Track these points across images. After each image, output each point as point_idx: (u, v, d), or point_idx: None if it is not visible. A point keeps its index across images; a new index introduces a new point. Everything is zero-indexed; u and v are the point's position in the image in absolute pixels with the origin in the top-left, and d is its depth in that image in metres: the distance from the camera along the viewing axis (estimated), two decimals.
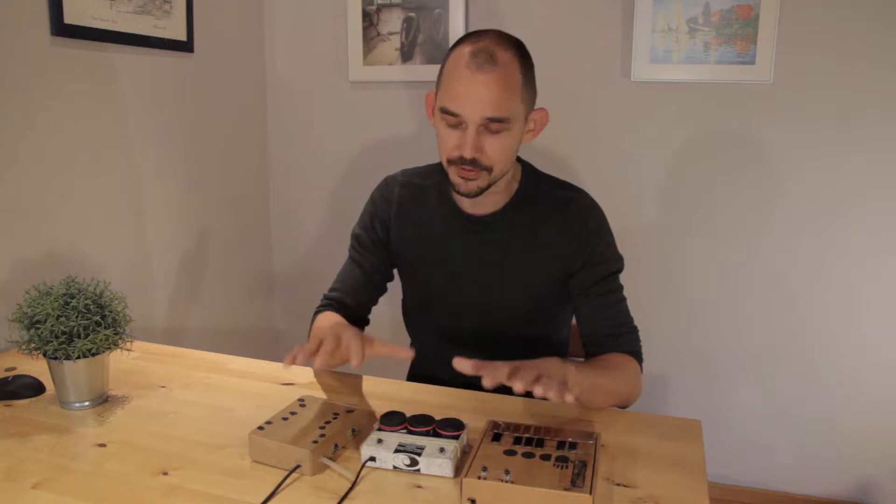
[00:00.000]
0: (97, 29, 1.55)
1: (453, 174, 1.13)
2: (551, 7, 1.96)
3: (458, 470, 0.90)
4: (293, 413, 0.99)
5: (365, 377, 1.22)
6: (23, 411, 1.10)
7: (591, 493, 0.79)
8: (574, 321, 1.32)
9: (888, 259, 1.85)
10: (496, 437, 0.93)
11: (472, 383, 1.14)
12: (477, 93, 1.05)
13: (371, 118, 2.17)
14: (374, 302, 1.34)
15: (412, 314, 1.37)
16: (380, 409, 1.03)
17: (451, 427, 0.95)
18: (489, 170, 1.10)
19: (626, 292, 1.23)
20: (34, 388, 1.16)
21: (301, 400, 1.04)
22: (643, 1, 1.86)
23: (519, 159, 1.25)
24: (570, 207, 1.20)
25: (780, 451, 2.02)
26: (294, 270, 2.35)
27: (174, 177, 1.87)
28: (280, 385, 1.20)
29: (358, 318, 1.31)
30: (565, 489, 0.80)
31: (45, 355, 1.07)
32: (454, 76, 1.07)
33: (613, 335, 1.19)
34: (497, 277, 1.22)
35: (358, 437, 0.99)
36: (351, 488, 0.86)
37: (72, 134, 1.53)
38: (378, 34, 2.09)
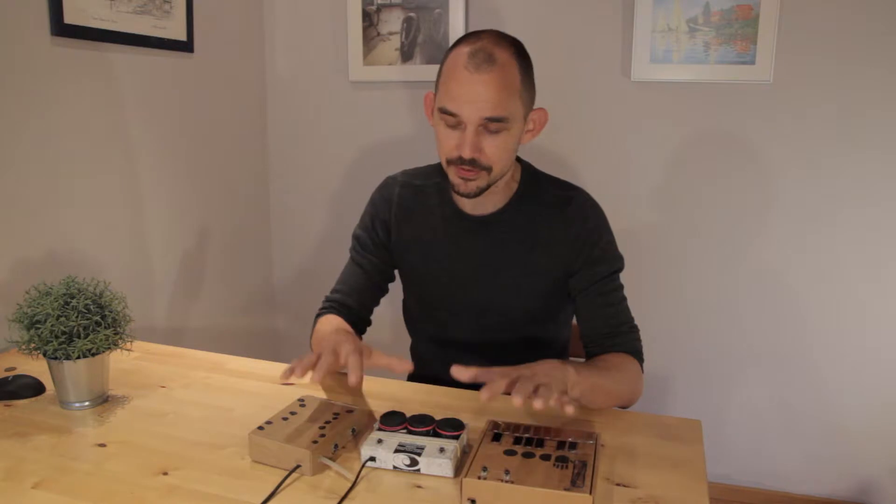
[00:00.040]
0: (97, 29, 1.55)
1: (453, 175, 1.13)
2: (551, 7, 1.96)
3: (458, 470, 0.90)
4: (293, 413, 0.99)
5: (365, 377, 1.21)
6: (23, 411, 1.10)
7: (591, 493, 0.79)
8: (575, 321, 1.33)
9: (888, 259, 1.85)
10: (496, 437, 0.93)
11: (473, 383, 1.14)
12: (476, 93, 1.05)
13: (371, 118, 2.17)
14: (376, 303, 1.34)
15: (412, 314, 1.38)
16: (380, 409, 1.03)
17: (451, 427, 0.95)
18: (488, 170, 1.10)
19: (626, 292, 1.23)
20: (34, 388, 1.16)
21: (301, 400, 1.04)
22: (643, 1, 1.86)
23: (518, 159, 1.25)
24: (569, 207, 1.20)
25: (781, 451, 2.02)
26: (294, 270, 2.35)
27: (174, 177, 1.87)
28: (280, 385, 1.20)
29: (360, 319, 1.31)
30: (565, 489, 0.80)
31: (45, 355, 1.07)
32: (453, 77, 1.07)
33: (614, 335, 1.19)
34: (497, 277, 1.22)
35: (358, 437, 0.99)
36: (351, 488, 0.86)
37: (72, 134, 1.53)
38: (378, 34, 2.10)
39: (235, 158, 2.14)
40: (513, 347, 1.27)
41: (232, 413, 1.09)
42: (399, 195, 1.29)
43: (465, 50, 1.07)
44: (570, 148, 2.02)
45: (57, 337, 1.04)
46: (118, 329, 1.10)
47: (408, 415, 0.98)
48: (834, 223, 1.87)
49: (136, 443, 0.99)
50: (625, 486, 0.88)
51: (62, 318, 1.05)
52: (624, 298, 1.22)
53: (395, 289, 1.37)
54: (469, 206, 1.22)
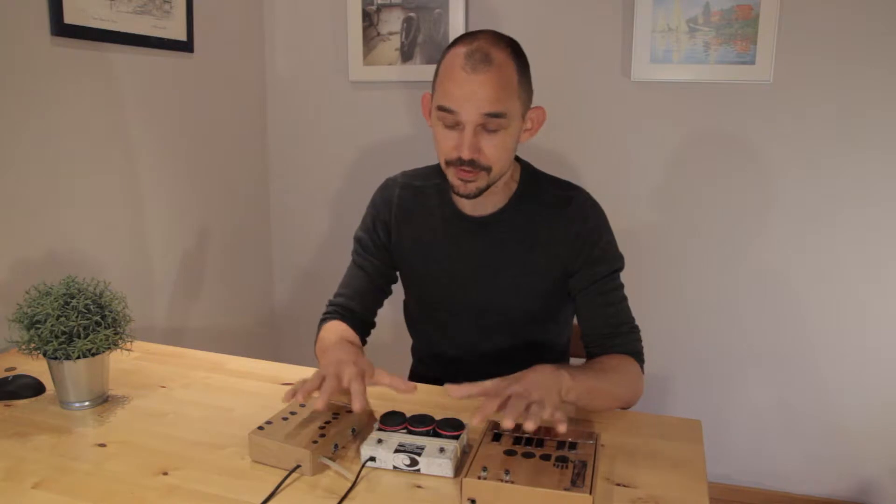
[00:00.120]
0: (97, 29, 1.55)
1: (452, 176, 1.13)
2: (551, 7, 1.96)
3: (458, 470, 0.90)
4: (293, 413, 0.99)
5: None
6: (23, 411, 1.10)
7: (591, 493, 0.79)
8: (575, 321, 1.32)
9: (888, 259, 1.85)
10: (496, 437, 0.93)
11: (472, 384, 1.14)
12: (473, 92, 1.05)
13: (371, 118, 2.17)
14: (380, 304, 1.34)
15: (413, 315, 1.38)
16: (380, 409, 1.03)
17: (451, 427, 0.95)
18: (488, 170, 1.10)
19: (626, 292, 1.22)
20: (34, 388, 1.16)
21: None
22: (643, 1, 1.86)
23: (517, 159, 1.24)
24: (569, 206, 1.20)
25: (781, 450, 2.02)
26: (294, 270, 2.35)
27: (174, 177, 1.87)
28: (280, 385, 1.20)
29: (364, 322, 1.30)
30: (565, 489, 0.80)
31: (45, 355, 1.07)
32: (450, 77, 1.07)
33: (613, 335, 1.18)
34: (497, 278, 1.22)
35: (358, 437, 0.99)
36: (351, 488, 0.86)
37: (72, 134, 1.53)
38: (378, 34, 2.10)
39: (235, 158, 2.14)
40: (513, 348, 1.27)
41: (232, 413, 1.09)
42: (399, 196, 1.29)
43: (461, 50, 1.07)
44: (570, 148, 2.02)
45: (57, 337, 1.04)
46: (118, 329, 1.10)
47: (408, 415, 0.98)
48: (834, 223, 1.87)
49: (136, 443, 0.99)
50: (625, 486, 0.88)
51: (62, 318, 1.05)
52: (624, 298, 1.22)
53: (396, 289, 1.37)
54: (469, 207, 1.22)
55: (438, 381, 1.21)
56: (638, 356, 1.18)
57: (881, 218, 1.84)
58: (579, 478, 0.82)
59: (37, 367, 1.20)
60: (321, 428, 0.95)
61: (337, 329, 1.23)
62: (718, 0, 1.82)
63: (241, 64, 2.14)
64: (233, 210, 2.13)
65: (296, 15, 2.19)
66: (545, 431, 0.94)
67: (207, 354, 1.36)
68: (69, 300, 1.07)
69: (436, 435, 0.94)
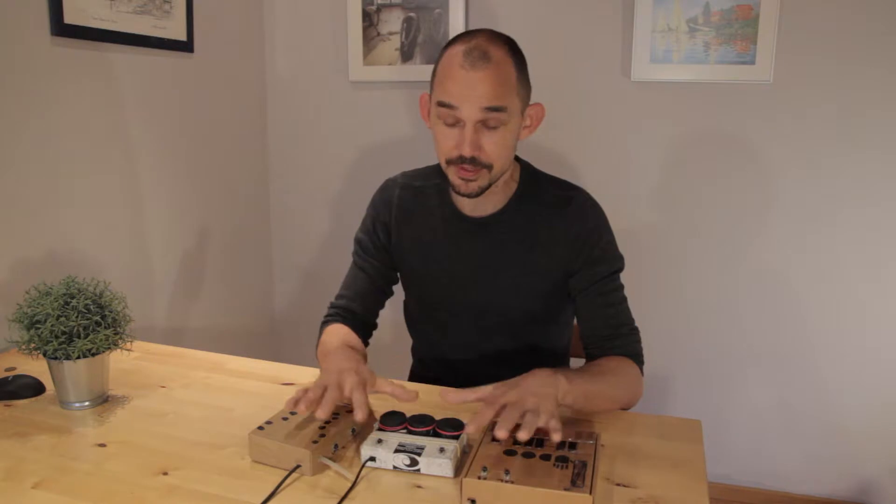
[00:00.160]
0: (97, 29, 1.55)
1: (453, 175, 1.13)
2: (551, 7, 1.96)
3: (458, 470, 0.90)
4: (293, 413, 0.99)
5: None
6: (23, 411, 1.10)
7: (591, 493, 0.79)
8: (575, 322, 1.32)
9: (888, 259, 1.85)
10: (496, 438, 0.92)
11: (473, 384, 1.14)
12: (473, 88, 1.05)
13: (371, 118, 2.17)
14: (381, 306, 1.34)
15: (413, 315, 1.37)
16: (380, 409, 1.03)
17: (451, 427, 0.95)
18: (489, 167, 1.10)
19: (626, 292, 1.22)
20: (34, 388, 1.16)
21: None
22: (643, 1, 1.86)
23: (517, 159, 1.24)
24: (569, 206, 1.20)
25: (781, 450, 2.02)
26: (294, 270, 2.35)
27: (174, 177, 1.87)
28: (280, 385, 1.20)
29: (365, 324, 1.30)
30: (565, 489, 0.80)
31: (45, 355, 1.07)
32: (449, 75, 1.07)
33: (613, 336, 1.18)
34: (496, 278, 1.22)
35: (358, 437, 0.99)
36: (351, 488, 0.86)
37: (72, 134, 1.53)
38: (378, 34, 2.10)
39: (235, 158, 2.14)
40: (513, 348, 1.27)
41: (232, 413, 1.09)
42: (399, 197, 1.29)
43: (459, 48, 1.07)
44: (570, 148, 2.02)
45: (57, 337, 1.04)
46: (118, 329, 1.10)
47: (408, 415, 0.98)
48: (834, 223, 1.87)
49: (136, 443, 0.99)
50: (625, 486, 0.88)
51: (62, 318, 1.05)
52: (624, 299, 1.21)
53: (397, 290, 1.37)
54: (468, 207, 1.22)
55: (438, 382, 1.21)
56: (637, 358, 1.18)
57: (881, 218, 1.84)
58: (579, 478, 0.82)
59: (37, 367, 1.20)
60: (321, 428, 0.95)
61: (339, 332, 1.22)
62: (718, 0, 1.82)
63: (241, 64, 2.14)
64: (233, 210, 2.13)
65: (296, 15, 2.19)
66: (545, 431, 0.94)
67: (207, 354, 1.36)
68: (69, 300, 1.07)
69: (436, 435, 0.94)
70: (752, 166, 1.90)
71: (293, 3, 2.18)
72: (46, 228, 1.49)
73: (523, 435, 0.85)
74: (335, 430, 0.95)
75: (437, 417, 0.97)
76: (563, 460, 0.86)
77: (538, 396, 0.92)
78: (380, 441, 0.92)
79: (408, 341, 1.42)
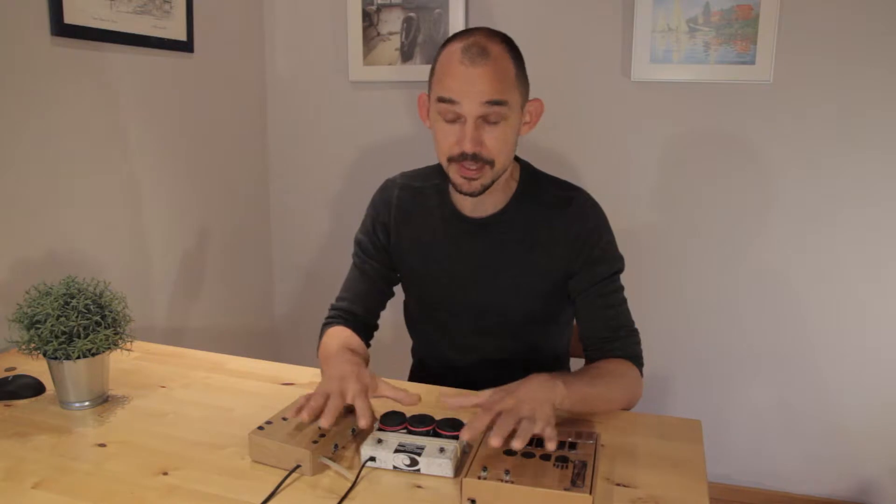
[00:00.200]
0: (97, 29, 1.55)
1: (454, 174, 1.12)
2: (551, 7, 1.96)
3: (458, 470, 0.90)
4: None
5: None
6: (23, 411, 1.10)
7: (591, 493, 0.79)
8: (575, 322, 1.32)
9: (888, 259, 1.85)
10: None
11: (473, 384, 1.14)
12: (473, 83, 1.05)
13: (371, 118, 2.17)
14: (382, 307, 1.34)
15: (413, 315, 1.37)
16: (380, 409, 1.03)
17: (451, 427, 0.95)
18: (491, 164, 1.10)
19: (626, 293, 1.22)
20: (34, 388, 1.16)
21: None
22: (643, 1, 1.86)
23: (517, 159, 1.24)
24: (569, 207, 1.20)
25: (781, 450, 2.02)
26: (294, 270, 2.35)
27: (174, 177, 1.87)
28: (280, 385, 1.20)
29: (366, 325, 1.30)
30: (565, 489, 0.80)
31: (45, 355, 1.07)
32: (448, 72, 1.07)
33: (613, 339, 1.18)
34: (497, 279, 1.22)
35: (358, 437, 0.99)
36: (351, 488, 0.86)
37: (72, 134, 1.53)
38: (378, 34, 2.10)
39: (235, 158, 2.14)
40: (513, 349, 1.27)
41: (232, 413, 1.09)
42: (398, 197, 1.28)
43: (458, 46, 1.07)
44: (570, 148, 2.02)
45: (57, 337, 1.04)
46: (118, 329, 1.10)
47: (408, 415, 0.98)
48: (834, 223, 1.87)
49: (136, 443, 0.99)
50: (625, 486, 0.88)
51: (62, 318, 1.05)
52: (624, 300, 1.21)
53: (397, 290, 1.37)
54: (468, 208, 1.22)
55: (438, 382, 1.21)
56: (637, 360, 1.18)
57: (881, 218, 1.84)
58: (579, 478, 0.82)
59: (37, 367, 1.20)
60: (321, 428, 0.95)
61: (340, 335, 1.22)
62: (718, 0, 1.82)
63: (241, 64, 2.14)
64: (233, 210, 2.13)
65: (296, 15, 2.19)
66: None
67: (207, 354, 1.36)
68: (69, 300, 1.07)
69: (436, 435, 0.94)
70: (752, 166, 1.90)
71: (293, 3, 2.18)
72: (46, 228, 1.49)
73: (517, 444, 0.84)
74: (335, 430, 0.95)
75: (437, 417, 0.97)
76: (563, 460, 0.86)
77: (535, 403, 0.91)
78: (380, 441, 0.92)
79: (408, 342, 1.42)
